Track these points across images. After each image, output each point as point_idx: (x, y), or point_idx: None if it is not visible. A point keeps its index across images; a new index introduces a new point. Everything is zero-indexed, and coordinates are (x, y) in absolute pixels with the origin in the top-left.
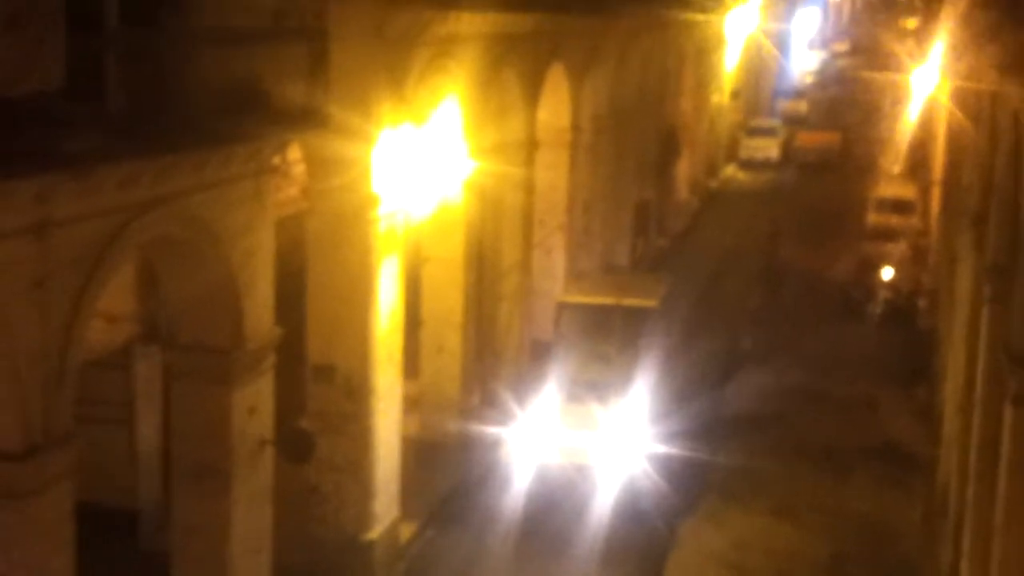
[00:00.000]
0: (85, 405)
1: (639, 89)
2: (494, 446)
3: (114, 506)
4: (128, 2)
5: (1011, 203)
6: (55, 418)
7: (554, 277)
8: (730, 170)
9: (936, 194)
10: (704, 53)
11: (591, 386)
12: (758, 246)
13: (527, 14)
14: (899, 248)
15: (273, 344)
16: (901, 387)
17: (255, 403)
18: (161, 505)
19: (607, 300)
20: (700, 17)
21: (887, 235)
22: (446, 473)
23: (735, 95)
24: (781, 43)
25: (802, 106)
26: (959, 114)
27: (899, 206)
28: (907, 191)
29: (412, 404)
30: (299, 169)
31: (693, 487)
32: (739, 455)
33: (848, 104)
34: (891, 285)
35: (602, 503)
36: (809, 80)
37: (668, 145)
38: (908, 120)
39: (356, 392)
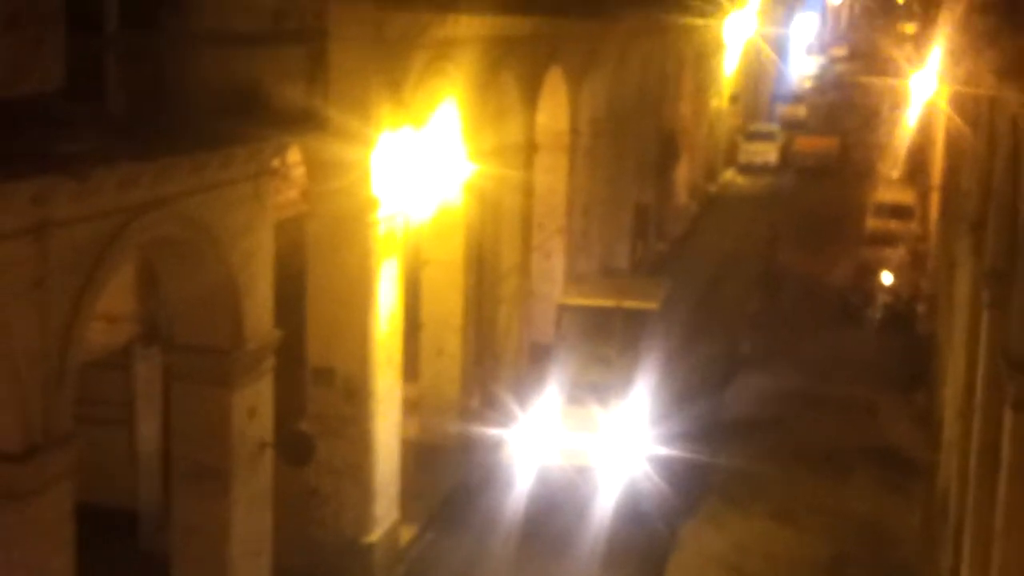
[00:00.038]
0: (85, 405)
1: (638, 93)
2: (494, 448)
3: (114, 506)
4: (128, 3)
5: (1010, 208)
6: (55, 418)
7: (553, 280)
8: (729, 174)
9: (935, 199)
10: (703, 57)
11: (592, 388)
12: (757, 250)
13: (526, 17)
14: (898, 253)
15: (273, 345)
16: (900, 392)
17: (255, 405)
18: (161, 506)
19: (608, 302)
20: (699, 21)
21: (886, 240)
22: (446, 476)
23: (734, 99)
24: (780, 48)
25: (801, 111)
26: (958, 119)
27: (898, 211)
28: (906, 196)
29: (412, 407)
30: (299, 172)
31: (694, 489)
32: (739, 458)
33: (847, 109)
34: (890, 290)
35: (603, 505)
36: (808, 85)
37: (667, 149)
38: (907, 125)
39: (356, 395)
